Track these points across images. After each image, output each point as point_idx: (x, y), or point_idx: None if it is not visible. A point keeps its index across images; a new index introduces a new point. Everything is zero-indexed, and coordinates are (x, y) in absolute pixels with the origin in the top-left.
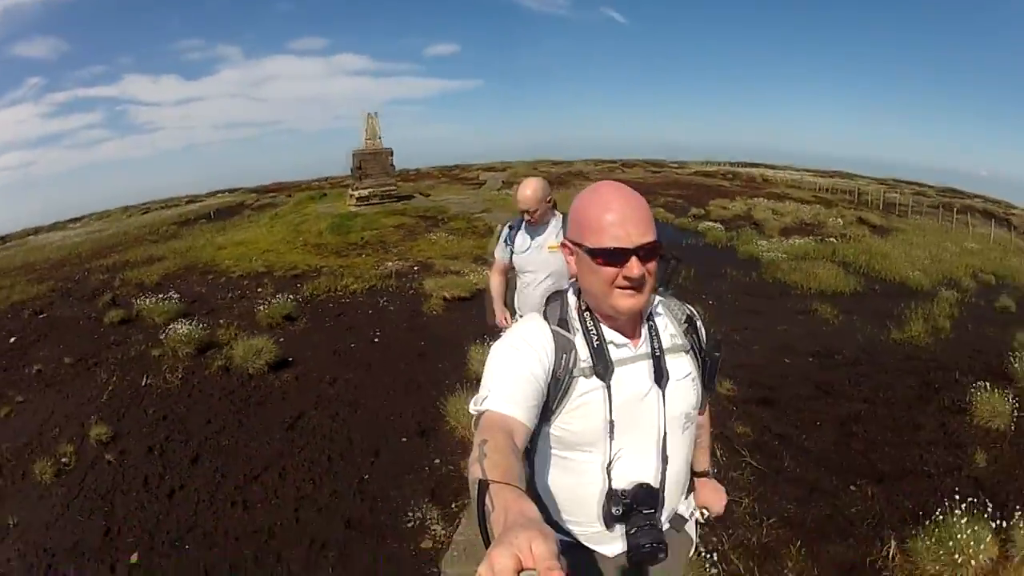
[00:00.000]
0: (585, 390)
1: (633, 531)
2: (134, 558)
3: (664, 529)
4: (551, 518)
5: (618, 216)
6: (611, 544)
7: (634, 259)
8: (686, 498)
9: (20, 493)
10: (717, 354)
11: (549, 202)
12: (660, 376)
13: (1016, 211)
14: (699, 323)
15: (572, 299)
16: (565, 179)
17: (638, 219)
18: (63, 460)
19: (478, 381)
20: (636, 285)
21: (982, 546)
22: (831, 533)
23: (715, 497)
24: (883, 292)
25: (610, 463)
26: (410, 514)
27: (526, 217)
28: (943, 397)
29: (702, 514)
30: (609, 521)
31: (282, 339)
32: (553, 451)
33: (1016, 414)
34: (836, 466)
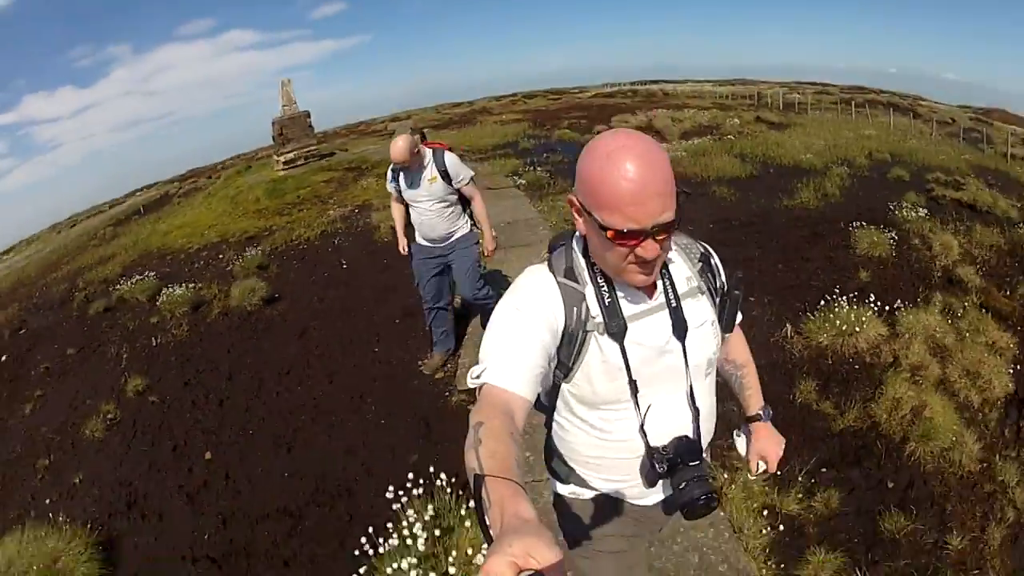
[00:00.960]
0: (602, 346)
1: (683, 486)
2: (207, 455)
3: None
4: (575, 472)
5: (638, 189)
6: (648, 497)
7: (649, 240)
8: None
9: (77, 457)
10: (737, 292)
11: (416, 152)
12: (679, 327)
13: (924, 102)
14: (715, 261)
15: (578, 248)
16: (469, 116)
17: (657, 191)
18: (108, 416)
19: None
20: (652, 262)
21: (865, 322)
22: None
23: (772, 445)
24: (777, 174)
25: (643, 423)
26: (419, 362)
27: (402, 169)
28: (829, 240)
29: (757, 466)
30: (653, 478)
31: (264, 283)
32: (576, 409)
33: (895, 244)
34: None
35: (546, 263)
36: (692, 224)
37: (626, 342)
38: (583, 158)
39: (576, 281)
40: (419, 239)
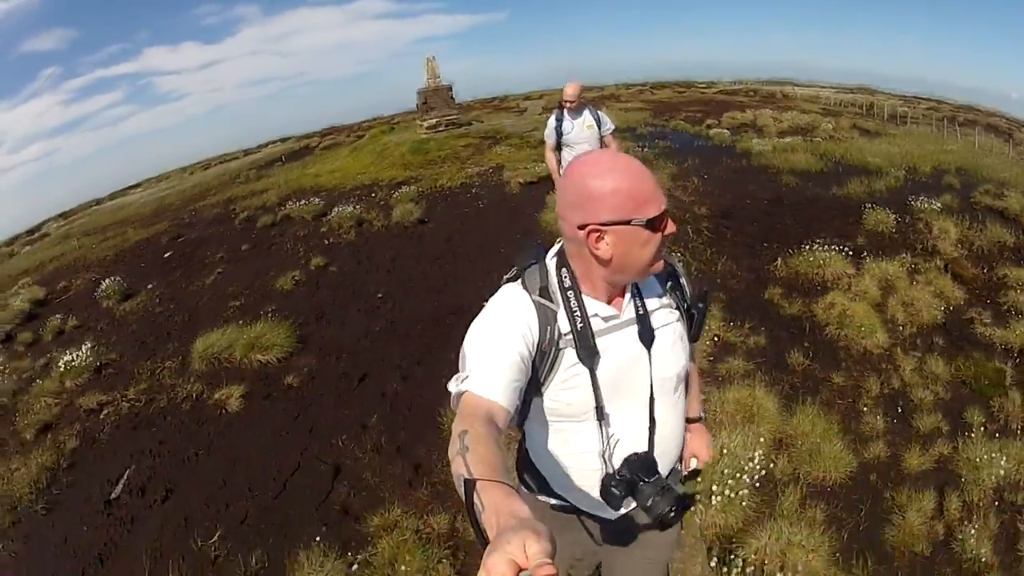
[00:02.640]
0: (572, 362)
1: (649, 503)
2: (379, 294)
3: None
4: (547, 484)
5: (652, 182)
6: (617, 511)
7: (668, 218)
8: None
9: (268, 299)
10: (702, 305)
11: (581, 97)
12: (647, 337)
13: None
14: (682, 278)
15: (553, 270)
16: (597, 102)
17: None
18: (295, 278)
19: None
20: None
21: (833, 261)
22: (748, 256)
23: (701, 444)
24: (844, 172)
25: (602, 438)
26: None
27: (568, 106)
28: (849, 218)
29: (690, 462)
30: (615, 501)
31: (418, 208)
32: (548, 421)
33: (899, 224)
34: (760, 239)
35: (520, 282)
36: (752, 199)
37: (595, 357)
38: (584, 184)
39: (550, 300)
40: None
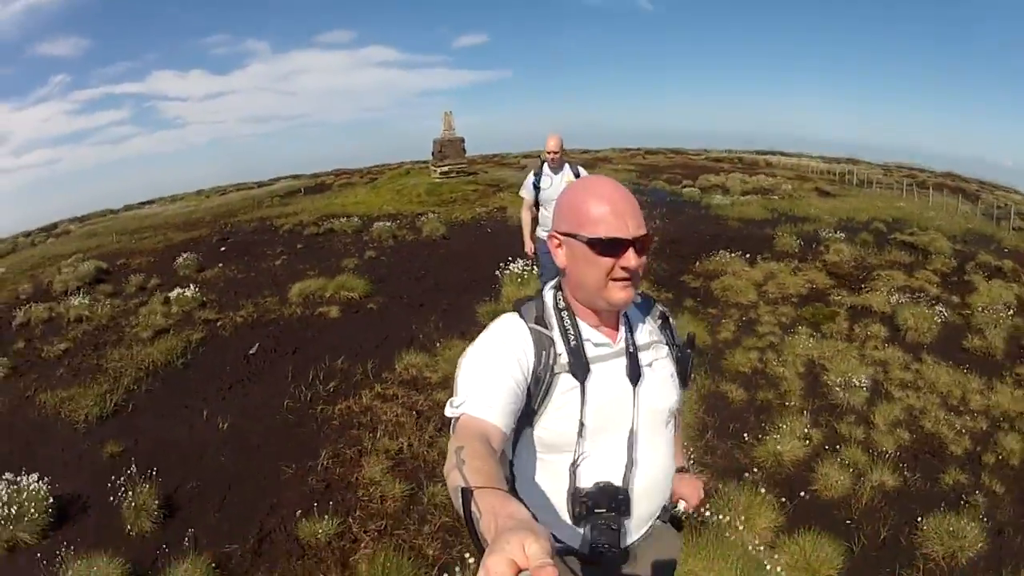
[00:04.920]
0: (566, 388)
1: (593, 531)
2: (422, 272)
3: (642, 530)
4: (539, 518)
5: (616, 207)
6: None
7: (631, 250)
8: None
9: (334, 273)
10: (689, 351)
11: (562, 152)
12: (634, 373)
13: (996, 191)
14: (672, 321)
15: (549, 298)
16: (590, 163)
17: (633, 211)
18: (355, 264)
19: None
20: (631, 277)
21: (733, 261)
22: (677, 260)
23: (691, 490)
24: (784, 219)
25: (575, 462)
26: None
27: (549, 159)
28: (767, 242)
29: (677, 505)
30: (575, 520)
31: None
32: (536, 454)
33: (800, 243)
34: (692, 253)
35: (516, 313)
36: (700, 233)
37: (587, 383)
38: (565, 198)
39: (546, 327)
40: (546, 234)
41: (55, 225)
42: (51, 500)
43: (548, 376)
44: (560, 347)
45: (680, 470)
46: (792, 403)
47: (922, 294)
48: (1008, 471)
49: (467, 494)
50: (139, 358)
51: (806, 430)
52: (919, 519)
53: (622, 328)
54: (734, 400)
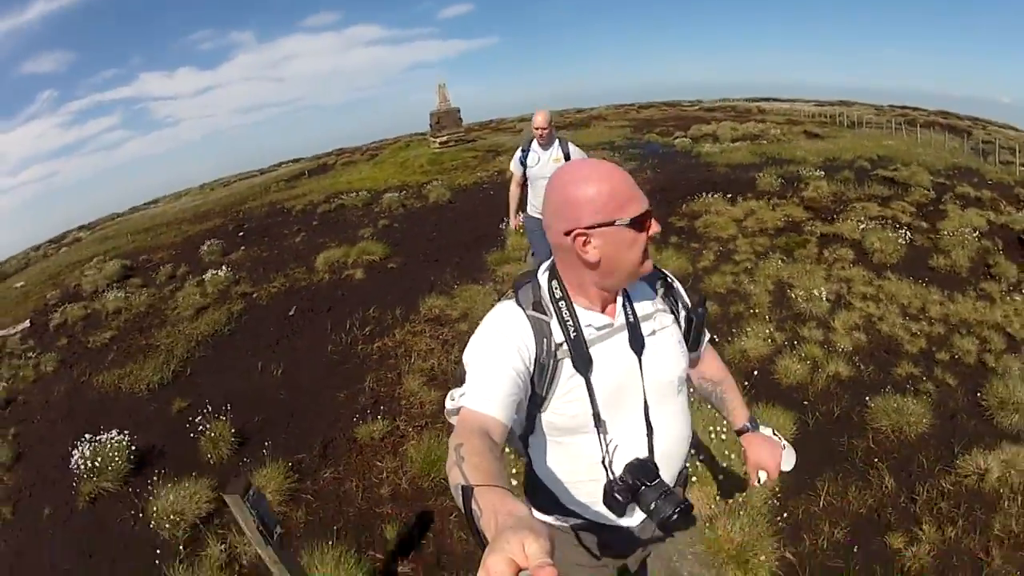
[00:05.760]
0: (570, 374)
1: (652, 506)
2: (434, 233)
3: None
4: (558, 502)
5: (628, 183)
6: (628, 517)
7: (652, 218)
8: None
9: (354, 241)
10: (701, 310)
11: (551, 128)
12: (637, 344)
13: (988, 126)
14: (676, 284)
15: (544, 283)
16: (584, 121)
17: (634, 182)
18: (371, 232)
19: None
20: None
21: (716, 201)
22: (665, 204)
23: (766, 454)
24: (770, 163)
25: (604, 446)
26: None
27: (538, 135)
28: (749, 183)
29: (758, 479)
30: (619, 509)
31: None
32: (550, 437)
33: (782, 183)
34: (679, 197)
35: (513, 299)
36: (690, 179)
37: (589, 364)
38: (566, 192)
39: (544, 313)
40: (535, 212)
41: (64, 235)
42: (132, 449)
43: (551, 362)
44: (558, 334)
45: (743, 431)
46: (760, 313)
47: (894, 222)
48: (963, 367)
49: (467, 492)
50: (187, 332)
51: (769, 331)
52: (867, 399)
53: (619, 300)
54: (710, 314)
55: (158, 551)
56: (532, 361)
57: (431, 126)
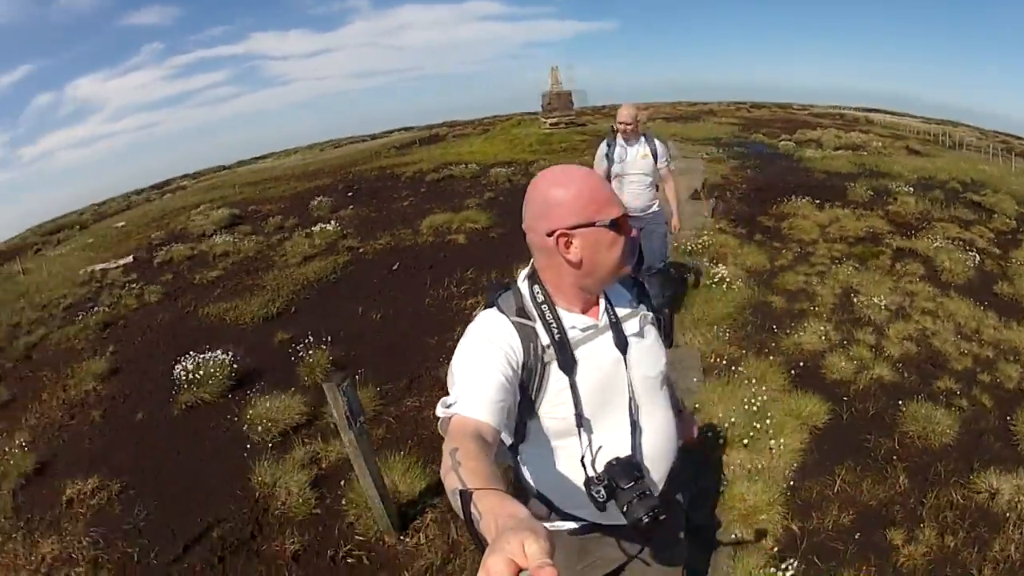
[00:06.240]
0: (559, 376)
1: (625, 508)
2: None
3: (659, 492)
4: (553, 506)
5: (605, 188)
6: (617, 518)
7: (628, 221)
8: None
9: (466, 209)
10: (665, 313)
11: (638, 123)
12: (621, 343)
13: None
14: (646, 286)
15: (525, 290)
16: (695, 115)
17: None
18: (476, 202)
19: None
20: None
21: (804, 205)
22: (758, 204)
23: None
24: (867, 174)
25: (583, 455)
26: None
27: (622, 129)
28: (846, 193)
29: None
30: (600, 506)
31: None
32: (543, 441)
33: (872, 195)
34: (772, 198)
35: (494, 308)
36: (786, 182)
37: (576, 367)
38: (547, 194)
39: (528, 318)
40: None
41: (168, 182)
42: (234, 367)
43: (539, 366)
44: (544, 338)
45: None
46: (821, 313)
47: (969, 245)
48: (1002, 391)
49: (466, 496)
50: (293, 277)
51: (826, 330)
52: (901, 403)
53: (601, 302)
54: (776, 308)
55: (247, 448)
56: (520, 366)
57: (542, 107)
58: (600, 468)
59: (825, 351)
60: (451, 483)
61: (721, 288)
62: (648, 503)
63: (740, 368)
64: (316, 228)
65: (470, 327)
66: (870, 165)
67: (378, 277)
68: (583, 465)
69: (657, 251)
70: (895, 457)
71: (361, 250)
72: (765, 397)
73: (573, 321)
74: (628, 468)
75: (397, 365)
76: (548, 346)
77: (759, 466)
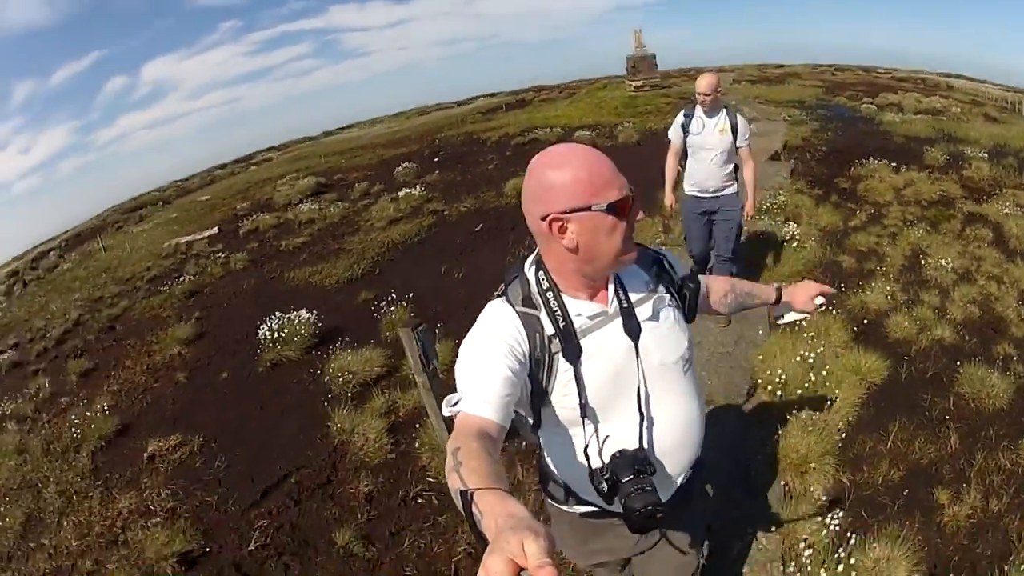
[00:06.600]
0: (566, 366)
1: (624, 501)
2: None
3: (673, 488)
4: (571, 490)
5: (610, 169)
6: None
7: (635, 204)
8: (695, 466)
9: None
10: (693, 285)
11: (718, 93)
12: (633, 330)
13: None
14: (666, 262)
15: (532, 276)
16: (780, 78)
17: (616, 169)
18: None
19: None
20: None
21: (881, 167)
22: (836, 165)
23: (809, 289)
24: (944, 139)
25: (586, 445)
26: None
27: (702, 100)
28: (922, 158)
29: (817, 307)
30: (606, 498)
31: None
32: (556, 429)
33: (947, 159)
34: (850, 160)
35: (503, 297)
36: (862, 145)
37: (583, 356)
38: (542, 176)
39: (534, 307)
40: (691, 190)
41: (252, 155)
42: (318, 326)
43: (547, 356)
44: (549, 328)
45: (778, 293)
46: (889, 273)
47: None
48: None
49: (467, 496)
50: (378, 240)
51: (892, 290)
52: (959, 364)
53: (611, 287)
54: (846, 267)
55: (328, 397)
56: (527, 357)
57: (627, 70)
58: (606, 460)
59: (889, 311)
60: (453, 483)
61: (792, 246)
62: (645, 499)
63: (804, 323)
64: (401, 193)
65: (478, 320)
66: (948, 130)
67: (461, 238)
68: (587, 456)
69: (728, 239)
70: (948, 418)
71: (445, 213)
72: (826, 351)
73: (580, 309)
74: (632, 461)
75: (476, 319)
76: (554, 336)
77: (815, 418)
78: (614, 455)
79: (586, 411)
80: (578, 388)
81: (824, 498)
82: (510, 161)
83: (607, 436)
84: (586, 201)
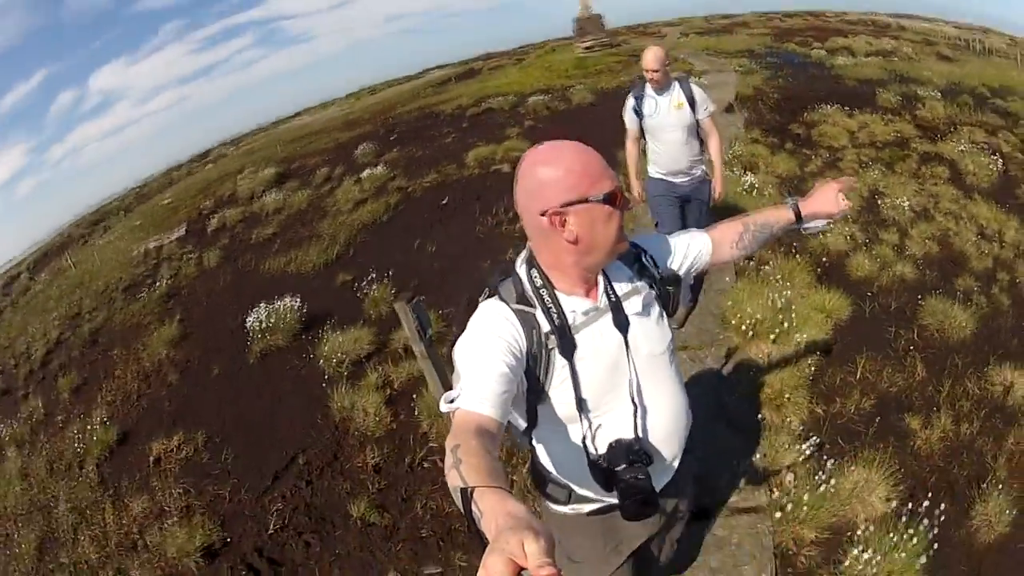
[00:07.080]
0: (563, 362)
1: (620, 490)
2: (578, 134)
3: (667, 476)
4: (570, 489)
5: (597, 160)
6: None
7: (621, 194)
8: (685, 455)
9: (507, 139)
10: (670, 288)
11: (667, 67)
12: (622, 324)
13: None
14: (646, 257)
15: (524, 274)
16: (728, 28)
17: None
18: (517, 131)
19: None
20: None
21: (834, 112)
22: (788, 112)
23: (830, 190)
24: (896, 80)
25: (584, 437)
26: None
27: (651, 77)
28: (873, 99)
29: (842, 209)
30: (606, 489)
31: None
32: (555, 426)
33: (900, 100)
34: (802, 105)
35: (496, 297)
36: (814, 91)
37: (578, 350)
38: (536, 174)
39: (529, 305)
40: (658, 174)
41: (208, 152)
42: (303, 311)
43: (543, 353)
44: (544, 324)
45: (795, 207)
46: (848, 215)
47: (994, 150)
48: (1019, 291)
49: (467, 494)
50: (348, 222)
51: (851, 231)
52: (921, 298)
53: (600, 283)
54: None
55: (325, 378)
56: (524, 354)
57: (574, 31)
58: (602, 449)
59: (850, 251)
60: (453, 480)
61: (751, 195)
62: (635, 487)
63: (768, 267)
64: (364, 174)
65: (473, 317)
66: (900, 71)
67: (429, 212)
68: (585, 448)
69: (699, 223)
70: (913, 348)
71: (410, 189)
72: (792, 293)
73: (573, 305)
74: (627, 450)
75: (455, 289)
76: (550, 332)
77: (786, 355)
78: (610, 444)
79: (583, 405)
80: (574, 383)
81: (801, 428)
82: (467, 132)
83: (602, 428)
84: (583, 193)
